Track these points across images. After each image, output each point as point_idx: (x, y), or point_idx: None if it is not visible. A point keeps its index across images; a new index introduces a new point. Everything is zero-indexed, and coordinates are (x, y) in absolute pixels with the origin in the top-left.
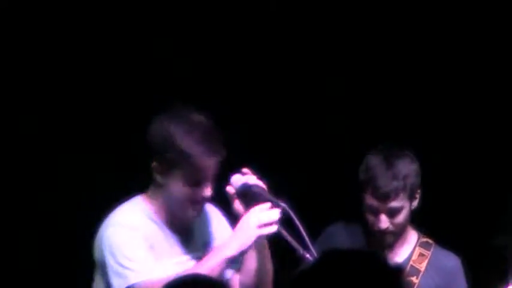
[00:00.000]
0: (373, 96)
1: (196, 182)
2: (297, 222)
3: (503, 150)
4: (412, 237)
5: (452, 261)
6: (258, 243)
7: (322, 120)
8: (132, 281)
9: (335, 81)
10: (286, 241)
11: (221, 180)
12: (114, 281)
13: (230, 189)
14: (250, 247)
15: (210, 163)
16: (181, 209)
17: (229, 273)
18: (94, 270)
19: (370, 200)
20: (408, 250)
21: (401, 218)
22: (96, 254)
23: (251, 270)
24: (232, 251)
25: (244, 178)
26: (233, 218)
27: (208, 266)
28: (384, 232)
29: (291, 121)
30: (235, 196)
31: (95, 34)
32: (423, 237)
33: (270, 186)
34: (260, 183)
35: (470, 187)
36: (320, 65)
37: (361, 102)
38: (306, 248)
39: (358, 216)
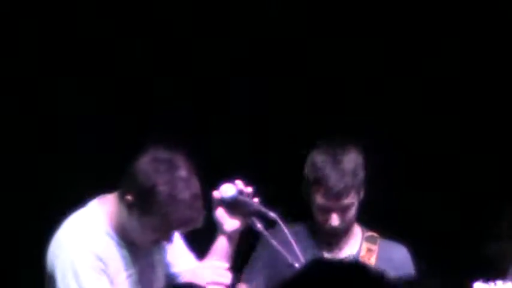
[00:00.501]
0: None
1: (164, 234)
2: (287, 232)
3: (498, 158)
4: (357, 232)
5: (400, 251)
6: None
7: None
8: None
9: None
10: (276, 249)
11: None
12: None
13: (217, 194)
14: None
15: (185, 227)
16: (142, 240)
17: None
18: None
19: (321, 200)
20: (355, 246)
21: (352, 213)
22: (49, 270)
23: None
24: None
25: (235, 189)
26: (212, 224)
27: None
28: (336, 229)
29: (285, 130)
30: (220, 203)
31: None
32: (367, 231)
33: (261, 197)
34: (250, 194)
35: (462, 195)
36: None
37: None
38: (295, 257)
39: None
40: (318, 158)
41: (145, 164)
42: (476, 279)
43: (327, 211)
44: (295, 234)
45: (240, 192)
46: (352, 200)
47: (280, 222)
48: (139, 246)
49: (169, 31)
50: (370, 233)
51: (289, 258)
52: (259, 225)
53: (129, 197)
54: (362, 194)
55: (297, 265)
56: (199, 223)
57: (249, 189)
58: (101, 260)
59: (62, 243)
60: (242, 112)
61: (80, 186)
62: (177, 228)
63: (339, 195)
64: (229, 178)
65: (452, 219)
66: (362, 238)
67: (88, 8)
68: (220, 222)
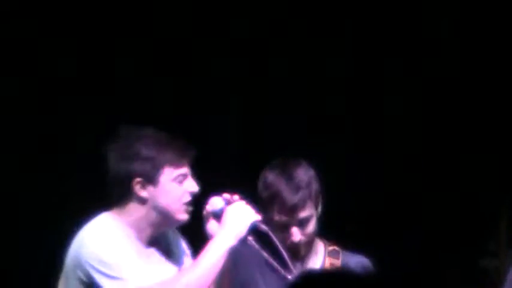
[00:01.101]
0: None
1: (181, 178)
2: (277, 243)
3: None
4: (320, 247)
5: (361, 262)
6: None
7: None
8: (134, 284)
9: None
10: (267, 261)
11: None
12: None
13: (207, 208)
14: (245, 236)
15: (185, 158)
16: (177, 212)
17: None
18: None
19: (278, 216)
20: (319, 261)
21: (311, 227)
22: (75, 269)
23: None
24: (231, 241)
25: (223, 201)
26: (204, 238)
27: (210, 259)
28: (298, 245)
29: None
30: (211, 216)
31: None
32: (329, 245)
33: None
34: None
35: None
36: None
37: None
38: (286, 268)
39: None
40: (270, 176)
41: (123, 151)
42: None
43: (285, 227)
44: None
45: (228, 203)
46: (309, 213)
47: (271, 235)
48: (177, 219)
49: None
50: (332, 247)
51: (281, 271)
52: (249, 237)
53: (135, 181)
54: (320, 207)
55: (289, 277)
56: (191, 149)
57: (236, 197)
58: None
59: (82, 238)
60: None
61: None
62: (179, 159)
63: (294, 209)
64: (217, 191)
65: (450, 233)
66: (325, 252)
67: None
68: (212, 235)
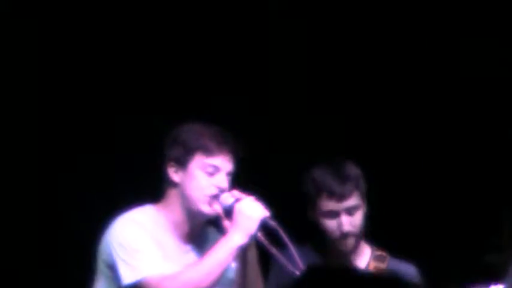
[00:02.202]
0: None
1: (211, 169)
2: (286, 239)
3: (496, 167)
4: (366, 250)
5: (408, 271)
6: (242, 254)
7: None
8: (144, 273)
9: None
10: (275, 258)
11: None
12: (124, 273)
13: (217, 207)
14: (255, 234)
15: (221, 150)
16: (198, 202)
17: None
18: (95, 277)
19: (327, 205)
20: (363, 265)
21: (359, 218)
22: (102, 253)
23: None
24: (241, 239)
25: (233, 197)
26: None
27: (219, 256)
28: (347, 235)
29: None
30: (223, 214)
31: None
32: (376, 250)
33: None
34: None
35: (462, 205)
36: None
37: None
38: (294, 265)
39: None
40: (317, 171)
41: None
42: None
43: (335, 215)
44: (304, 255)
45: (237, 199)
46: (357, 202)
47: (280, 230)
48: (199, 209)
49: None
50: (379, 252)
51: (290, 267)
52: (258, 234)
53: (168, 164)
54: (365, 206)
55: (297, 273)
56: (234, 148)
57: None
58: (156, 241)
59: (119, 222)
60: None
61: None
62: (215, 151)
63: (343, 195)
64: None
65: (453, 228)
66: (370, 257)
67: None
68: (227, 231)
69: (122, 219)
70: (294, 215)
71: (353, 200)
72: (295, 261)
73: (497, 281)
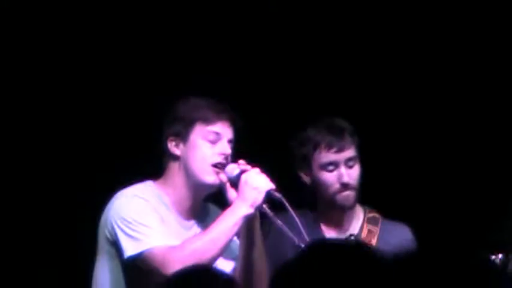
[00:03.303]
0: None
1: (212, 136)
2: (292, 212)
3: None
4: (359, 212)
5: (401, 231)
6: (246, 227)
7: None
8: (147, 246)
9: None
10: (281, 229)
11: None
12: (127, 245)
13: (223, 177)
14: (262, 204)
15: (220, 117)
16: (202, 172)
17: (231, 267)
18: (96, 255)
19: (327, 157)
20: (357, 227)
21: (357, 170)
22: (103, 229)
23: (239, 259)
24: (246, 210)
25: (239, 168)
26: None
27: (224, 226)
28: (347, 187)
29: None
30: (229, 184)
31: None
32: (369, 212)
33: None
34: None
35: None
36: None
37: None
38: (300, 238)
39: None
40: (310, 130)
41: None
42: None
43: (335, 167)
44: (305, 219)
45: (243, 170)
46: (354, 153)
47: (285, 202)
48: (204, 180)
49: None
50: (372, 214)
51: (295, 239)
52: (264, 205)
53: (169, 139)
54: (359, 159)
55: (302, 245)
56: (233, 116)
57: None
58: (154, 207)
59: (120, 196)
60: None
61: None
62: (216, 118)
63: (341, 147)
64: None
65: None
66: (364, 219)
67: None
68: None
69: (122, 194)
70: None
71: (351, 152)
72: (300, 233)
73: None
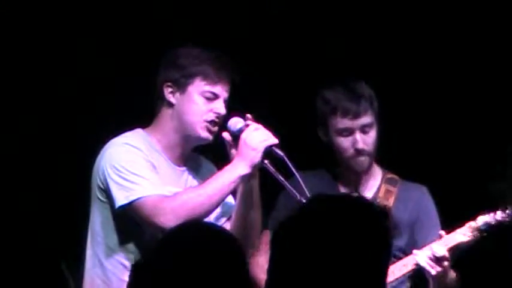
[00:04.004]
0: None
1: (210, 95)
2: (292, 167)
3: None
4: (377, 173)
5: (418, 191)
6: (245, 186)
7: None
8: (139, 194)
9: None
10: (284, 188)
11: None
12: (118, 195)
13: (226, 135)
14: (259, 163)
15: (220, 78)
16: (196, 126)
17: (222, 221)
18: (90, 205)
19: (342, 122)
20: (374, 187)
21: (372, 136)
22: (95, 178)
23: (237, 218)
24: (244, 169)
25: (243, 122)
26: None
27: (220, 183)
28: (361, 153)
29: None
30: (232, 142)
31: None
32: (388, 173)
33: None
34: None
35: (467, 134)
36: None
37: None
38: (301, 192)
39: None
40: (329, 91)
41: (165, 56)
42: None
43: (350, 133)
44: (319, 179)
45: (247, 125)
46: (371, 119)
47: (287, 161)
48: (198, 134)
49: None
50: (390, 175)
51: (297, 195)
52: (265, 161)
53: (165, 85)
54: (377, 127)
55: (304, 201)
56: (233, 73)
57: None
58: (150, 162)
59: (111, 145)
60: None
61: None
62: (215, 74)
63: (358, 113)
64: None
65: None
66: (382, 180)
67: None
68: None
69: (113, 143)
70: (306, 139)
71: (367, 118)
72: (301, 189)
73: (501, 208)
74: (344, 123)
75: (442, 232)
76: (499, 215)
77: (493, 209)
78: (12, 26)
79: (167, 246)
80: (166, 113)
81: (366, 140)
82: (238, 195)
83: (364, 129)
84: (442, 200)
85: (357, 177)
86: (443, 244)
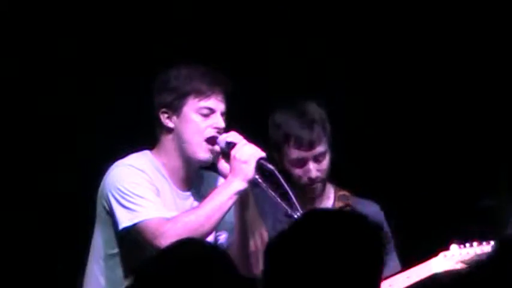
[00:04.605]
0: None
1: (206, 110)
2: (284, 183)
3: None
4: (330, 191)
5: (371, 209)
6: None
7: None
8: (142, 217)
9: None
10: (273, 199)
11: None
12: (122, 216)
13: (216, 148)
14: (253, 177)
15: (213, 90)
16: (196, 146)
17: (221, 236)
18: (94, 225)
19: (295, 153)
20: (329, 205)
21: (326, 163)
22: (100, 199)
23: (237, 233)
24: (240, 185)
25: (230, 136)
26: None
27: (218, 201)
28: (314, 181)
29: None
30: (221, 155)
31: None
32: (340, 190)
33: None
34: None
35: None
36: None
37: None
38: (293, 208)
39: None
40: (281, 116)
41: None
42: (455, 239)
43: (303, 163)
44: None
45: (233, 143)
46: (325, 148)
47: (277, 174)
48: (197, 156)
49: None
50: (342, 192)
51: (288, 209)
52: (256, 177)
53: (161, 111)
54: (330, 149)
55: (295, 216)
56: (226, 83)
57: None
58: (154, 185)
59: (117, 166)
60: None
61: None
62: (209, 89)
63: (311, 144)
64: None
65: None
66: (335, 197)
67: None
68: (224, 175)
69: (119, 165)
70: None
71: (321, 147)
72: (292, 202)
73: (492, 227)
74: (297, 153)
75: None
76: (477, 248)
77: (466, 239)
78: (10, 44)
79: (156, 266)
80: (167, 138)
81: (319, 168)
82: (235, 211)
83: (317, 158)
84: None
85: (312, 199)
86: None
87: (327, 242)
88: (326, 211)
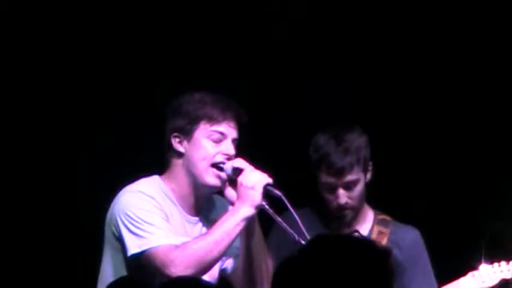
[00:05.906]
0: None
1: (217, 136)
2: (291, 209)
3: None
4: (369, 215)
5: (410, 234)
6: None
7: None
8: (151, 244)
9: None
10: (280, 226)
11: None
12: (130, 243)
13: (222, 175)
14: (260, 203)
15: (225, 116)
16: (204, 172)
17: (227, 261)
18: (103, 250)
19: (326, 178)
20: (366, 229)
21: (357, 191)
22: (109, 224)
23: (243, 260)
24: (248, 211)
25: (237, 162)
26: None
27: (226, 228)
28: (344, 208)
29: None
30: (227, 182)
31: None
32: (379, 214)
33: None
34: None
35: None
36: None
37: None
38: (300, 234)
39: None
40: (321, 139)
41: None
42: (482, 260)
43: (332, 189)
44: (301, 217)
45: (239, 169)
46: (356, 176)
47: (285, 200)
48: (207, 182)
49: None
50: (382, 216)
51: (295, 236)
52: (263, 203)
53: (172, 135)
54: (370, 173)
55: (302, 242)
56: (239, 113)
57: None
58: (163, 211)
59: (126, 192)
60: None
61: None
62: (220, 116)
63: (341, 172)
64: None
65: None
66: (374, 221)
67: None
68: (230, 201)
69: (128, 190)
70: (296, 175)
71: (352, 176)
72: (298, 228)
73: (504, 252)
74: (327, 179)
75: None
76: (503, 266)
77: (493, 258)
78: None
79: None
80: (177, 163)
81: (350, 195)
82: (241, 237)
83: (348, 186)
84: (436, 241)
85: (348, 222)
86: None
87: (333, 267)
88: (334, 237)
